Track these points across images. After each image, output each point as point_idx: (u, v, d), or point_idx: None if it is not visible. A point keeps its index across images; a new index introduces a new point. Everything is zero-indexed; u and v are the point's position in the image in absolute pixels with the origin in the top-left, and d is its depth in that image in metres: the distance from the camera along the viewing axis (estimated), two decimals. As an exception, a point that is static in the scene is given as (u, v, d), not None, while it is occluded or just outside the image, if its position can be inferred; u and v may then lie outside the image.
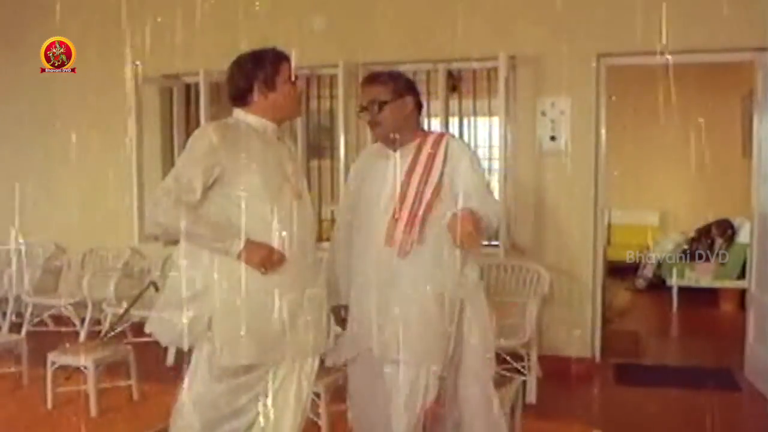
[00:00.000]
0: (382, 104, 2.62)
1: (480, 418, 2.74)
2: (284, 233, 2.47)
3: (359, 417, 2.85)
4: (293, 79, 2.57)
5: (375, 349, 2.63)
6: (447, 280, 2.62)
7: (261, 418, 2.55)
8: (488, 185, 2.71)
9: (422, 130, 2.77)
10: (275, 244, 2.46)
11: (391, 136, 2.66)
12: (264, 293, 2.46)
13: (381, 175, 2.70)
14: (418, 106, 2.73)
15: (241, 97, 2.55)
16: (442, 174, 2.61)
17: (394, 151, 2.69)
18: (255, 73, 2.51)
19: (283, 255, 2.47)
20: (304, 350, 2.55)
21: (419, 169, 2.62)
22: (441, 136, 2.71)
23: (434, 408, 2.64)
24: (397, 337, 2.58)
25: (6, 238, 6.22)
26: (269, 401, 2.54)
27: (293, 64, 2.57)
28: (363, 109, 2.68)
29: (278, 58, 2.55)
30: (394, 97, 2.63)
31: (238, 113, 2.57)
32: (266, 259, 2.44)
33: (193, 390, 2.55)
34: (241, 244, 2.42)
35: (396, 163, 2.66)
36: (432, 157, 2.62)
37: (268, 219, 2.47)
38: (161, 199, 2.43)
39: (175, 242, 2.58)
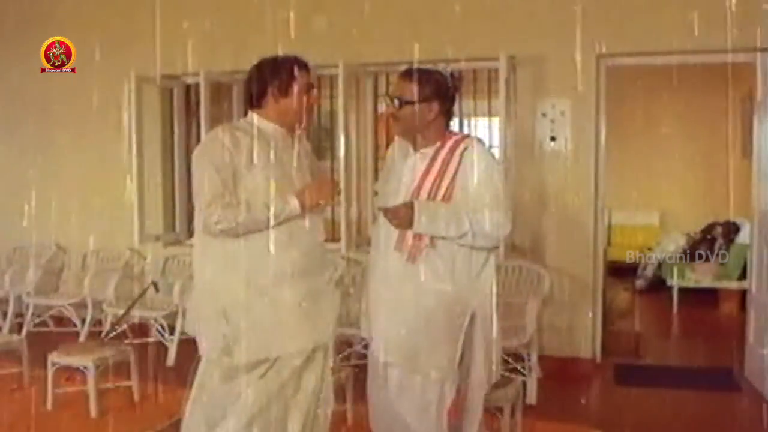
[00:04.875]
0: (405, 102, 2.60)
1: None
2: (282, 236, 2.49)
3: (377, 426, 2.81)
4: (309, 88, 2.58)
5: (381, 357, 2.61)
6: (460, 285, 2.58)
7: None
8: (498, 196, 2.57)
9: (449, 132, 2.70)
10: (271, 246, 2.48)
11: (409, 135, 2.65)
12: (271, 292, 2.49)
13: (398, 177, 2.68)
14: (447, 112, 2.68)
15: (256, 100, 2.58)
16: (454, 178, 2.56)
17: (415, 151, 2.66)
18: (271, 78, 2.55)
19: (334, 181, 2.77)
20: (316, 344, 2.58)
21: (434, 172, 2.59)
22: (461, 139, 2.65)
23: (453, 414, 2.60)
24: (401, 344, 2.56)
25: (7, 239, 6.25)
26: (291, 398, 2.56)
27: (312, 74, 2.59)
28: (390, 99, 2.67)
29: (297, 65, 2.56)
30: (420, 100, 2.58)
31: (252, 116, 2.60)
32: (332, 188, 2.62)
33: (204, 390, 2.56)
34: (295, 199, 2.49)
35: (413, 165, 2.64)
36: (447, 161, 2.58)
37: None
38: (212, 215, 2.44)
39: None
